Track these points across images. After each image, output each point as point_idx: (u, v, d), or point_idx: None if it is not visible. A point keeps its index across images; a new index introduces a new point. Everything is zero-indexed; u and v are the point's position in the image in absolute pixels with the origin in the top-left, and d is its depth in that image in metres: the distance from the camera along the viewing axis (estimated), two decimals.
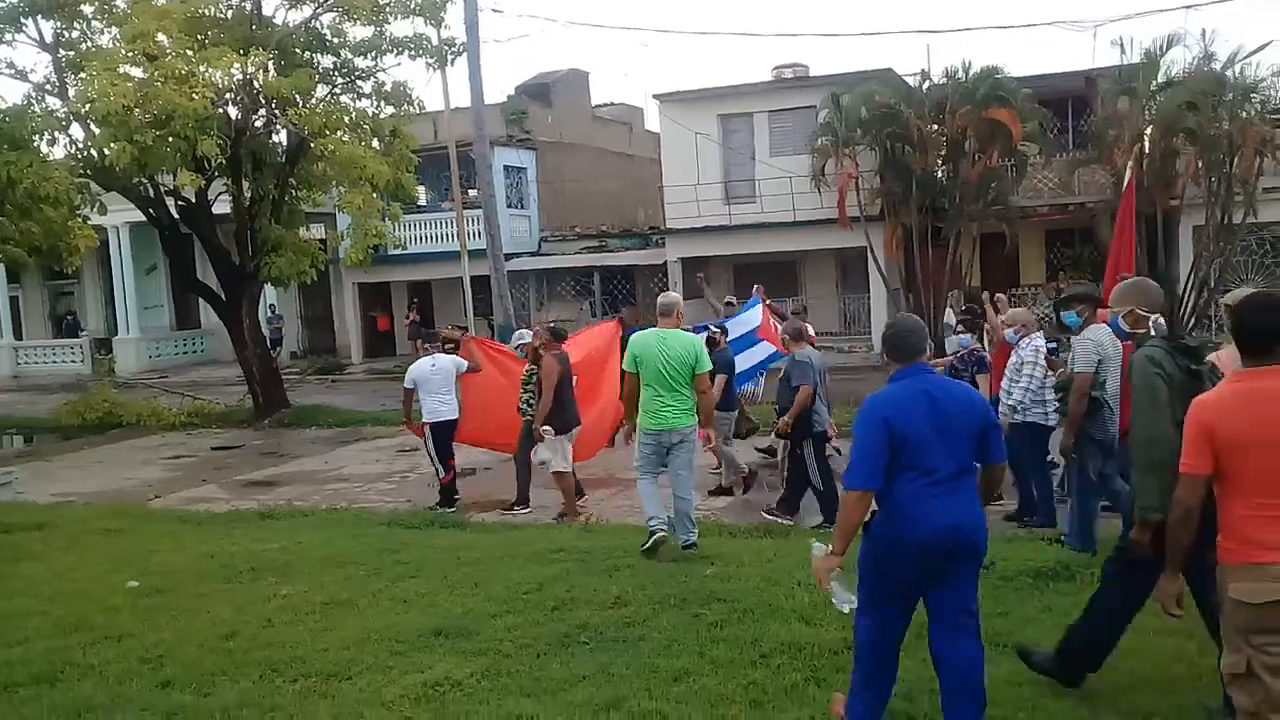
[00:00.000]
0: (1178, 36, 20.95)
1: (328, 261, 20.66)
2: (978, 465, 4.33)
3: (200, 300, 22.76)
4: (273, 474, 14.01)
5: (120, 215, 22.24)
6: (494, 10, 39.71)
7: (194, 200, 18.06)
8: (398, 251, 22.15)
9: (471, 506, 10.46)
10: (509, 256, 21.57)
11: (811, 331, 10.32)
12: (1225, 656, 3.56)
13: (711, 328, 11.31)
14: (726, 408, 10.86)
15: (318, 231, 22.02)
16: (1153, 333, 4.88)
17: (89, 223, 16.96)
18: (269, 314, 27.10)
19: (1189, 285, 20.99)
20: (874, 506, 4.23)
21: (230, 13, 17.65)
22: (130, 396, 21.58)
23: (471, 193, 24.58)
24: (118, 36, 16.62)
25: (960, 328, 10.31)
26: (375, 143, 17.59)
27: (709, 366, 7.67)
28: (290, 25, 17.61)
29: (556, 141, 30.71)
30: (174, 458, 15.87)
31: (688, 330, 8.33)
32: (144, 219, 19.14)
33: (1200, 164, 20.47)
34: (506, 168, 28.31)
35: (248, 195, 17.99)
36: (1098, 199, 22.35)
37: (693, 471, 7.82)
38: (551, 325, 10.88)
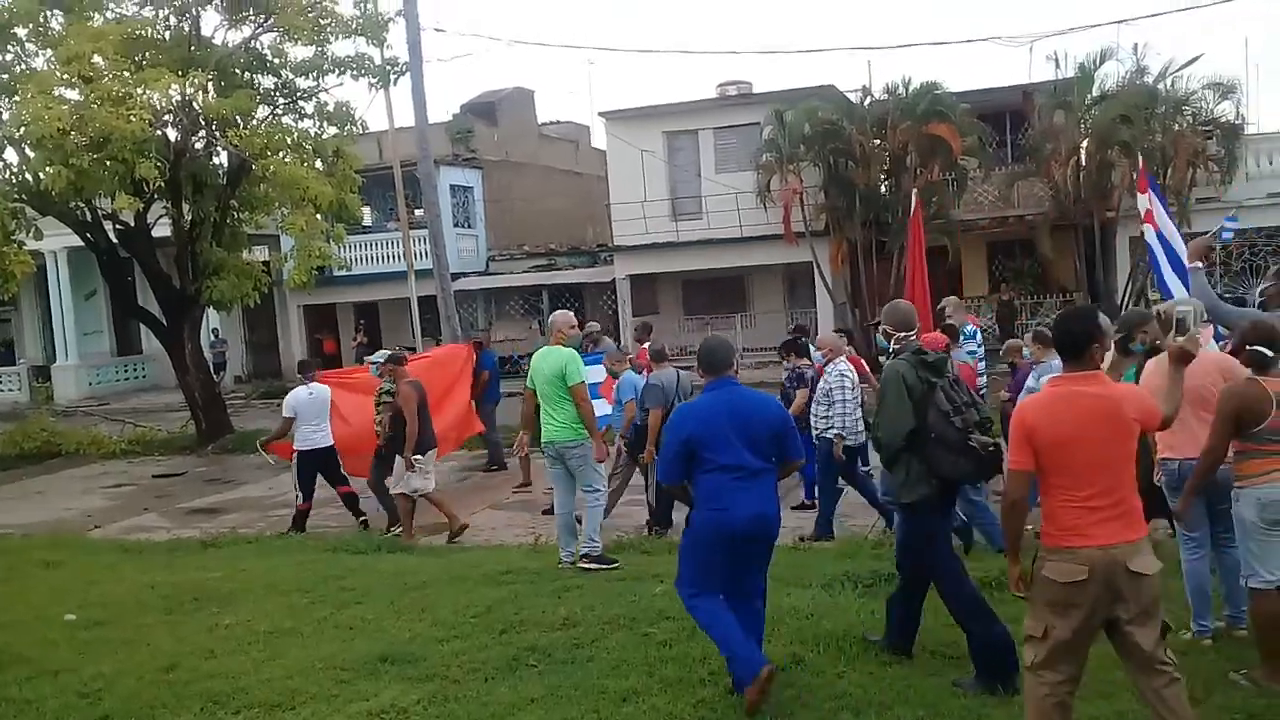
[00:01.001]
0: (1111, 51, 21.48)
1: (271, 284, 20.41)
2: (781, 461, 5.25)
3: (141, 326, 22.38)
4: (216, 501, 13.79)
5: (57, 240, 21.83)
6: (436, 30, 39.57)
7: (133, 224, 17.73)
8: (343, 273, 21.98)
9: (418, 530, 10.37)
10: (457, 276, 21.47)
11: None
12: (1028, 620, 4.03)
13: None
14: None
15: (261, 254, 21.73)
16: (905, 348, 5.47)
17: (25, 249, 16.61)
18: (212, 338, 26.71)
19: (1127, 295, 21.40)
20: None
21: (168, 34, 17.41)
22: (70, 425, 21.13)
23: (418, 212, 24.46)
24: (52, 59, 16.34)
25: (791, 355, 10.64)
26: (318, 163, 17.42)
27: (579, 379, 7.97)
28: (230, 46, 17.42)
29: (503, 160, 30.66)
30: (115, 486, 15.56)
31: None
32: (82, 244, 18.80)
33: (1135, 176, 20.87)
34: (453, 187, 28.21)
35: (188, 218, 17.73)
36: (1037, 211, 22.75)
37: (595, 488, 8.16)
38: (391, 352, 11.32)
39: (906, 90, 22.06)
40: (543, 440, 8.10)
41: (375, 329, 29.25)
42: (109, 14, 17.09)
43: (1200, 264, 6.58)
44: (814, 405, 9.17)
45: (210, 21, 17.89)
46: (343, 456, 11.16)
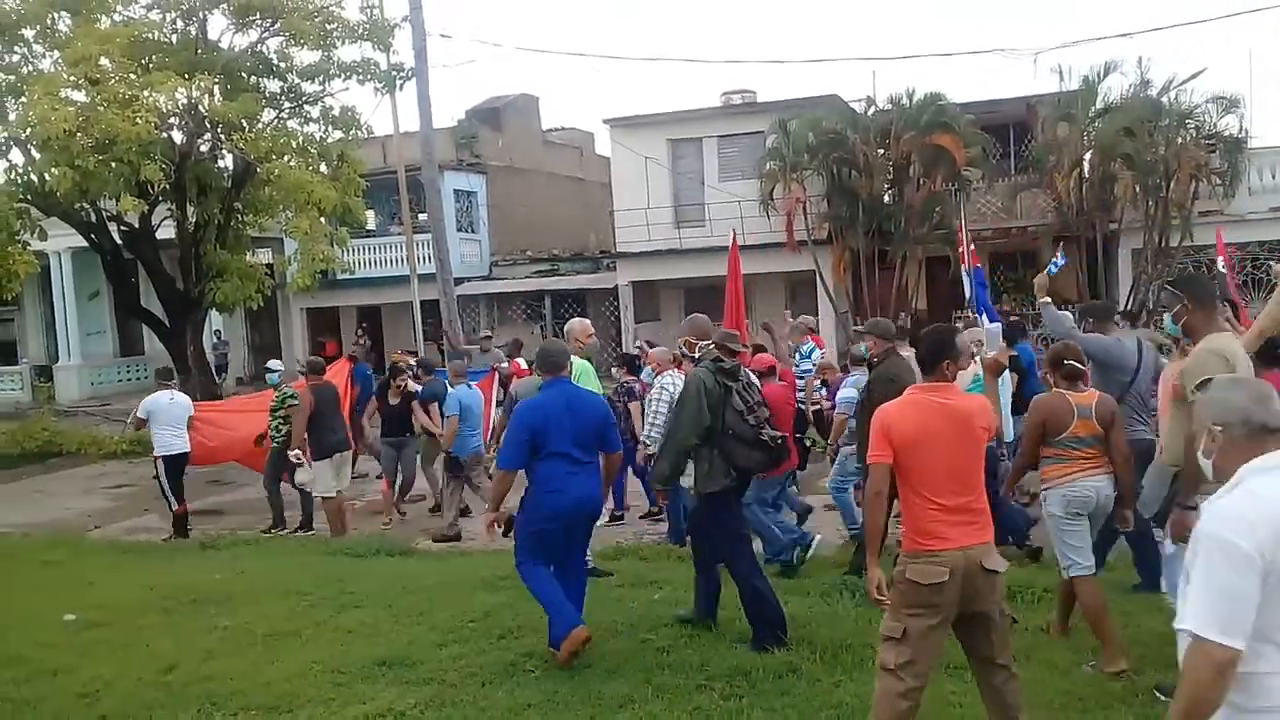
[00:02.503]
0: (1115, 64, 21.46)
1: (274, 287, 20.45)
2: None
3: (144, 327, 22.42)
4: (216, 502, 13.79)
5: (62, 241, 21.87)
6: (442, 35, 39.46)
7: (137, 226, 17.80)
8: (346, 276, 22.01)
9: (419, 534, 10.37)
10: (460, 280, 21.48)
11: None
12: (887, 622, 4.20)
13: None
14: (430, 433, 11.19)
15: (264, 256, 21.80)
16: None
17: (29, 249, 16.67)
18: (214, 340, 26.73)
19: (1129, 306, 21.40)
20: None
21: (175, 37, 17.50)
22: (71, 424, 21.16)
23: (422, 217, 24.49)
24: (60, 60, 16.43)
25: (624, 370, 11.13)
26: (323, 167, 17.50)
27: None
28: (236, 49, 17.51)
29: (507, 166, 30.69)
30: (115, 487, 15.58)
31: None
32: (86, 244, 18.85)
33: (1138, 188, 20.92)
34: (457, 192, 28.23)
35: (192, 220, 17.80)
36: (1039, 223, 22.75)
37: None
38: (310, 359, 12.03)
39: (911, 101, 22.08)
40: None
41: (377, 332, 29.28)
42: (116, 16, 17.18)
43: (1048, 299, 7.34)
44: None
45: (217, 25, 17.98)
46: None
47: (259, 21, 17.39)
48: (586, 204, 32.22)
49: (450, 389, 10.66)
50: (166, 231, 18.36)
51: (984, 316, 11.30)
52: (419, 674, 5.78)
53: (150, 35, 16.95)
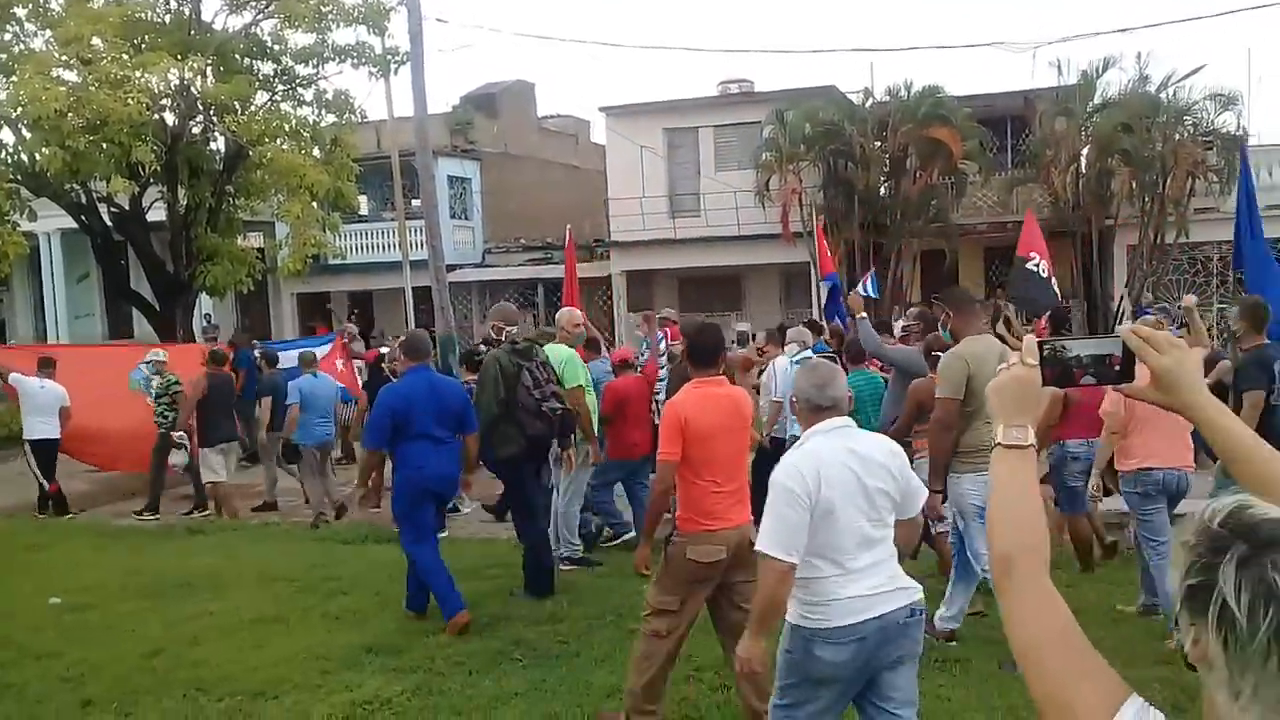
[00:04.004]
0: (1114, 59, 21.40)
1: (265, 271, 20.32)
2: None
3: (134, 310, 22.29)
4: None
5: (51, 222, 21.71)
6: (439, 20, 39.31)
7: (128, 207, 17.64)
8: (338, 261, 21.89)
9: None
10: (452, 268, 21.40)
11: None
12: (657, 596, 4.66)
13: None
14: (275, 428, 11.44)
15: (255, 240, 21.67)
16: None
17: (18, 229, 16.52)
18: (204, 324, 26.59)
19: (1123, 302, 21.39)
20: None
21: (168, 17, 17.33)
22: None
23: (415, 202, 24.37)
24: (51, 39, 16.26)
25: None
26: (315, 151, 17.35)
27: (576, 381, 8.01)
28: (230, 31, 17.34)
29: (502, 152, 30.56)
30: (97, 471, 15.42)
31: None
32: (76, 226, 18.70)
33: (1134, 184, 20.88)
34: (450, 178, 28.11)
35: (183, 203, 17.63)
36: (1036, 217, 22.68)
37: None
38: (211, 349, 12.29)
39: (908, 93, 22.01)
40: None
41: (368, 318, 29.18)
42: None
43: (864, 314, 8.23)
44: None
45: (211, 6, 17.91)
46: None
47: (253, 3, 17.23)
48: (581, 192, 32.10)
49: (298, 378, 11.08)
50: (157, 214, 18.20)
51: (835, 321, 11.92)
52: (406, 661, 5.75)
53: (143, 15, 16.78)
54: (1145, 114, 20.63)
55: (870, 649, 3.43)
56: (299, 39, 17.46)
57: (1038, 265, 11.76)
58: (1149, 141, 20.55)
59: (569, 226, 15.53)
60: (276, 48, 17.54)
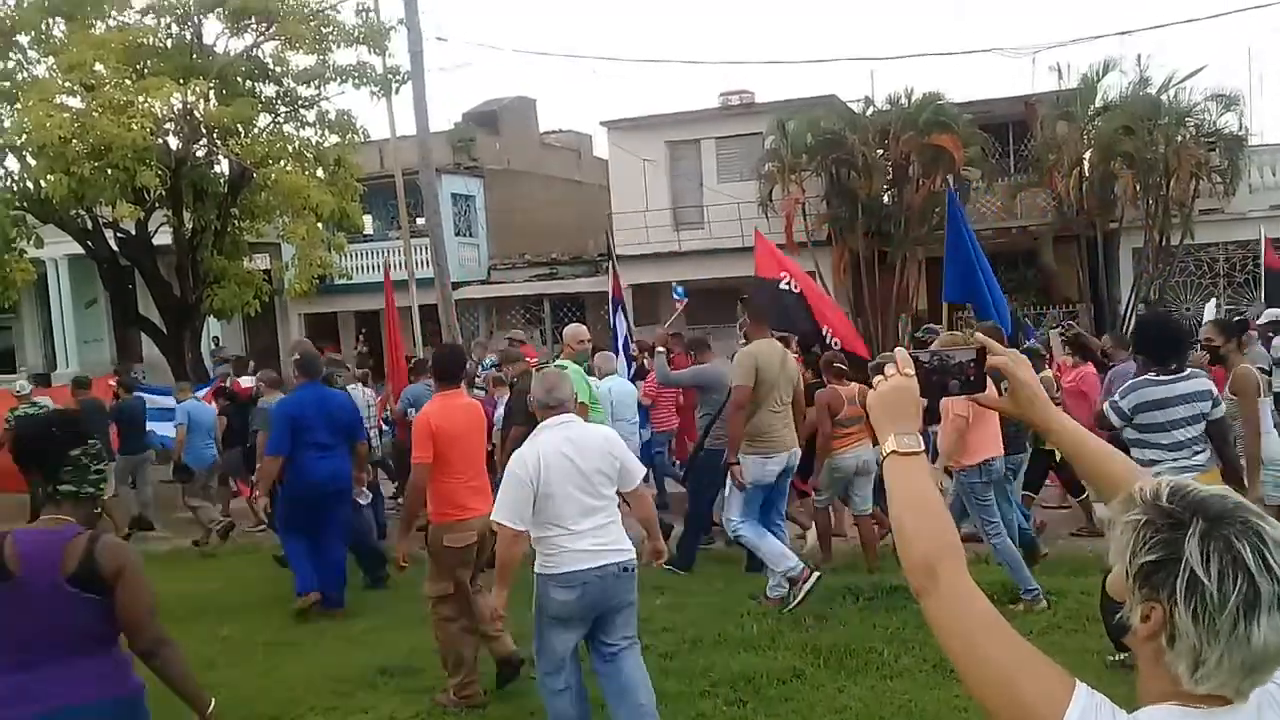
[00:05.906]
0: (1114, 62, 21.39)
1: (272, 293, 20.37)
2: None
3: (142, 334, 22.35)
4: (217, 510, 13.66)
5: (58, 248, 21.77)
6: (439, 39, 39.36)
7: (134, 232, 17.71)
8: (344, 281, 21.94)
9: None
10: (458, 285, 21.43)
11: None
12: (433, 586, 5.54)
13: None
14: (131, 451, 12.08)
15: (261, 262, 21.71)
16: None
17: (26, 256, 16.60)
18: (213, 347, 26.66)
19: (1130, 306, 21.34)
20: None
21: (170, 42, 17.40)
22: None
23: (419, 221, 24.42)
24: (54, 66, 16.33)
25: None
26: (319, 172, 17.40)
27: (581, 399, 8.05)
28: (231, 54, 17.40)
29: (504, 169, 30.62)
30: (113, 495, 15.44)
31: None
32: (83, 252, 18.77)
33: (1138, 187, 20.86)
34: (454, 195, 28.16)
35: (189, 226, 17.69)
36: (1039, 222, 22.70)
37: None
38: (76, 376, 12.89)
39: (909, 100, 22.03)
40: None
41: (376, 337, 29.20)
42: (111, 22, 17.09)
43: (663, 349, 9.56)
44: None
45: (212, 30, 17.87)
46: None
47: (254, 26, 17.29)
48: (585, 207, 32.14)
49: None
50: (163, 238, 18.25)
51: (623, 347, 12.41)
52: (420, 682, 5.74)
53: (145, 40, 16.85)
54: (1147, 116, 20.61)
55: (594, 594, 4.39)
56: (300, 60, 17.55)
57: (790, 284, 10.75)
58: (1151, 144, 20.52)
59: (386, 264, 16.10)
60: (278, 70, 17.61)
